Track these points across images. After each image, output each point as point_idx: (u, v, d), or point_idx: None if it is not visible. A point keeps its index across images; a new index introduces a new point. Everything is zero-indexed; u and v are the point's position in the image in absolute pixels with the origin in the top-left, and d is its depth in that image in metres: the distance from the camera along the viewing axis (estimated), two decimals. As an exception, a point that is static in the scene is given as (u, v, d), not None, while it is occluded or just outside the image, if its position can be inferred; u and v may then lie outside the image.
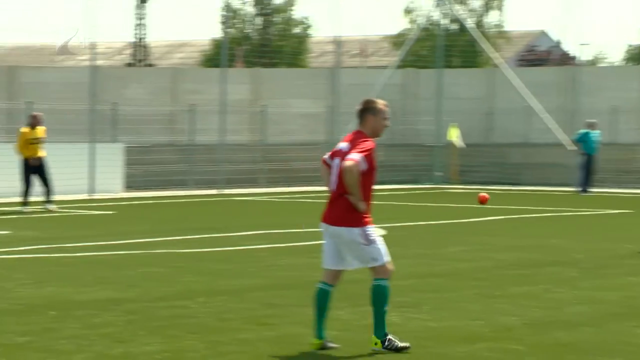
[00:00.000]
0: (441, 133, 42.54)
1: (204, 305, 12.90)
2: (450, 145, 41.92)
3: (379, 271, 10.37)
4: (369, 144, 10.39)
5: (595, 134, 37.71)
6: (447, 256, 18.38)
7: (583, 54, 47.92)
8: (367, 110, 10.57)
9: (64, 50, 40.19)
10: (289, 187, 38.32)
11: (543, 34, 72.68)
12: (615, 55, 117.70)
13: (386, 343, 10.31)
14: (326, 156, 10.70)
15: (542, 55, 61.27)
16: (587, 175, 37.51)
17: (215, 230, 22.70)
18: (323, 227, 10.50)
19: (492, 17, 60.16)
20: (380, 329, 10.35)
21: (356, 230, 10.29)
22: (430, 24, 51.76)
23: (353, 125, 11.03)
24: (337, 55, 45.47)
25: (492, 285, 14.90)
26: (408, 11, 61.65)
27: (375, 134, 10.51)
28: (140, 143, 37.14)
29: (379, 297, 10.33)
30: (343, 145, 10.53)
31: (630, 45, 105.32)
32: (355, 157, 10.25)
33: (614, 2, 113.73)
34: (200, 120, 38.65)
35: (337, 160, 10.51)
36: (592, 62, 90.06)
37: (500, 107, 43.85)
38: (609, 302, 13.41)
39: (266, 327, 11.58)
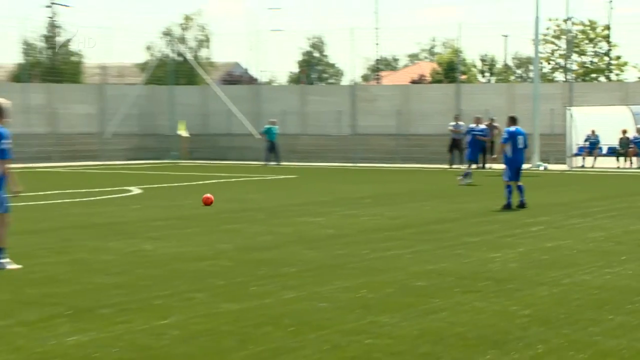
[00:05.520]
0: (174, 126, 42.27)
1: None
2: (179, 135, 41.77)
3: None
4: None
5: (275, 128, 38.13)
6: (183, 206, 18.33)
7: (262, 77, 48.52)
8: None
9: None
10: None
11: (237, 64, 73.07)
12: (282, 78, 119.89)
13: None
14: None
15: (237, 78, 61.44)
16: (269, 155, 37.98)
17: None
18: None
19: (204, 52, 59.77)
20: None
21: None
22: (164, 56, 51.20)
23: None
24: (103, 76, 44.55)
25: (212, 224, 14.92)
26: (148, 47, 60.60)
27: None
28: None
29: None
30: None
31: (290, 72, 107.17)
32: None
33: (285, 44, 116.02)
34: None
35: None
36: (268, 82, 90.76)
37: (211, 110, 43.92)
38: (285, 234, 13.70)
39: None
